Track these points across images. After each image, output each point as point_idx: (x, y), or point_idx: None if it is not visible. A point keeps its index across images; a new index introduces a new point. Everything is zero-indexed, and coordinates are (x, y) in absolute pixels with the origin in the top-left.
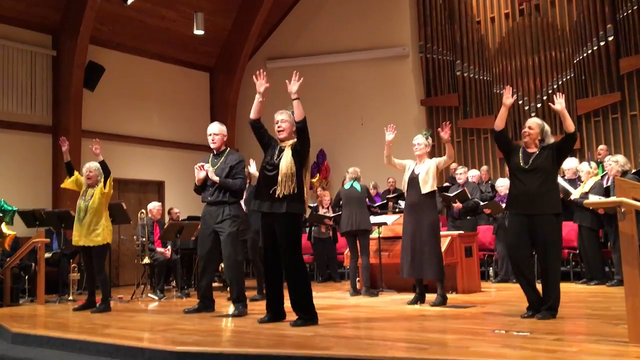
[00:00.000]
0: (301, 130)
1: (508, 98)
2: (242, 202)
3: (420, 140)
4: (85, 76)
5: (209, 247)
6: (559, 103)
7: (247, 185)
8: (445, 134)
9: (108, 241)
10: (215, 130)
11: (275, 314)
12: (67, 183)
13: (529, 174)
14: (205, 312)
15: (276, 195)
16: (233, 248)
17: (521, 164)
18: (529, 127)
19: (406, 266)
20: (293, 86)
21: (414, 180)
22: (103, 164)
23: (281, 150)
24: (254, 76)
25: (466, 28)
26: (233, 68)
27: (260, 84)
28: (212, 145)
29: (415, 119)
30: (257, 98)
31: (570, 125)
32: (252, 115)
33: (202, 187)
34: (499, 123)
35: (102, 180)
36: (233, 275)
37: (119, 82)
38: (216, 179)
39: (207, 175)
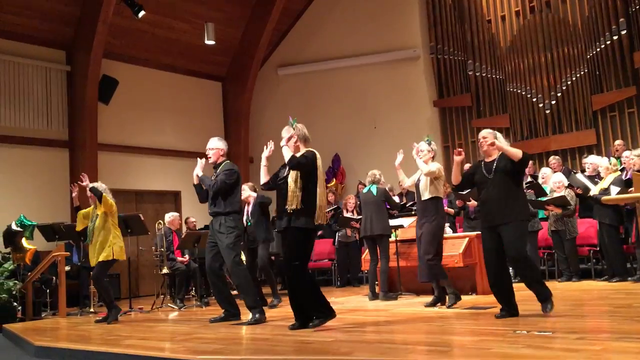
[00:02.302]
0: (295, 167)
1: (458, 156)
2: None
3: (423, 147)
4: (100, 90)
5: (210, 257)
6: (491, 143)
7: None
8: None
9: (116, 257)
10: (211, 145)
11: (304, 320)
12: (79, 225)
13: (493, 181)
14: (232, 320)
15: (289, 211)
16: (232, 258)
17: (485, 174)
18: (483, 137)
19: (419, 270)
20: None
21: (417, 187)
22: (92, 189)
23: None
24: (264, 146)
25: (477, 27)
26: (245, 77)
27: (266, 152)
28: (209, 160)
29: (429, 120)
30: (263, 164)
31: (514, 155)
32: (262, 181)
33: (204, 195)
34: (455, 179)
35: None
36: (240, 284)
37: (132, 94)
38: (197, 171)
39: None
